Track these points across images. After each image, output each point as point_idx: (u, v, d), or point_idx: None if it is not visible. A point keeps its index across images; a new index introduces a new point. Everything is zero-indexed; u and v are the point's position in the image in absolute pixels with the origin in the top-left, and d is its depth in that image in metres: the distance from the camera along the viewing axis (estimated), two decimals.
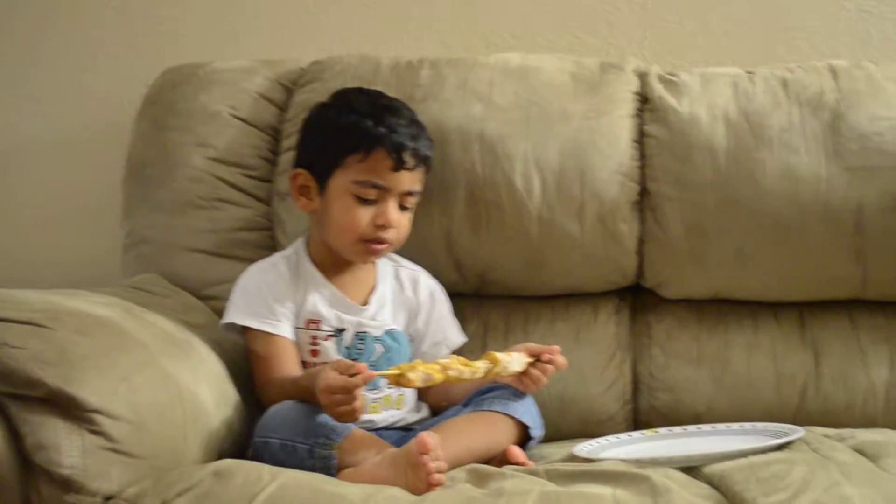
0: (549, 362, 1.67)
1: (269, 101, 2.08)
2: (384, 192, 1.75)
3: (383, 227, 1.75)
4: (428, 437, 1.43)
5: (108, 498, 1.35)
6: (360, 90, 1.88)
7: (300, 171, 1.81)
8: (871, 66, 1.99)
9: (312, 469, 1.49)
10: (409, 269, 1.90)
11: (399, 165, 1.74)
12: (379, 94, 1.86)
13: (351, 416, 1.51)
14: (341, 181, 1.76)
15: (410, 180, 1.77)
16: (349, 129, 1.76)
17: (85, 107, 2.35)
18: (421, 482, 1.41)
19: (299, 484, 1.36)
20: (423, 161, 1.79)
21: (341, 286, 1.81)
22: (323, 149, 1.79)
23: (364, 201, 1.75)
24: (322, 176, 1.78)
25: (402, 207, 1.78)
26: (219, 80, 2.08)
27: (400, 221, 1.78)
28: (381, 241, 1.77)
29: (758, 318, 1.96)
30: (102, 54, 2.34)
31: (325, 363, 1.71)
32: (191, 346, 1.67)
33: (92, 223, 2.34)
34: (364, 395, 1.69)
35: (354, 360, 1.75)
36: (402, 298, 1.86)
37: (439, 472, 1.42)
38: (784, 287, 1.94)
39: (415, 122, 1.81)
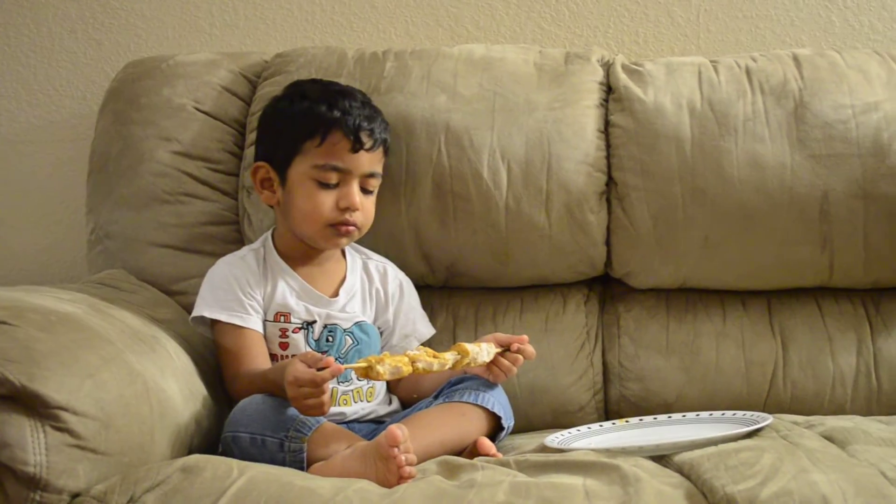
0: (519, 352, 1.68)
1: (233, 94, 2.07)
2: (345, 174, 1.75)
3: (348, 209, 1.75)
4: (397, 429, 1.42)
5: (75, 495, 1.34)
6: (312, 80, 1.89)
7: (260, 164, 1.81)
8: (835, 54, 2.00)
9: (283, 463, 1.49)
10: (378, 261, 1.89)
11: (357, 146, 1.74)
12: (331, 83, 1.86)
13: (319, 410, 1.51)
14: (301, 168, 1.76)
15: (370, 161, 1.77)
16: (304, 116, 1.76)
17: (46, 100, 2.32)
18: (391, 475, 1.40)
19: (268, 478, 1.35)
20: (381, 142, 1.80)
21: (310, 278, 1.81)
22: (280, 139, 1.79)
23: (326, 186, 1.75)
24: (282, 166, 1.78)
25: (365, 191, 1.78)
26: (182, 73, 2.07)
27: (364, 204, 1.78)
28: (347, 224, 1.76)
29: (726, 307, 1.97)
30: (63, 47, 2.31)
31: (295, 356, 1.71)
32: (158, 341, 1.66)
33: (56, 218, 2.32)
34: (334, 388, 1.69)
35: (324, 352, 1.74)
36: (371, 290, 1.86)
37: (409, 464, 1.42)
38: (751, 275, 1.95)
39: (368, 105, 1.82)
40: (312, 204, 1.75)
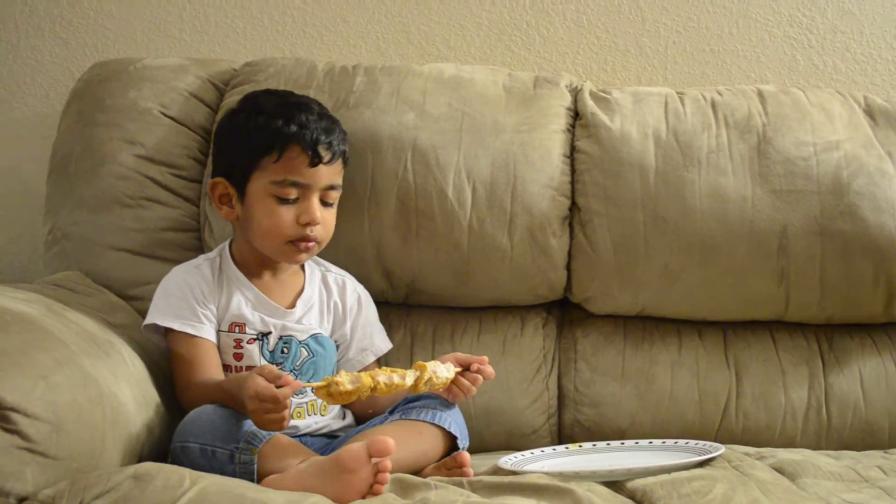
0: (478, 372, 1.67)
1: (200, 100, 2.06)
2: (304, 189, 1.74)
3: (308, 224, 1.74)
4: (389, 438, 1.41)
5: (23, 499, 1.31)
6: (267, 91, 1.87)
7: (218, 180, 1.79)
8: (798, 91, 2.04)
9: (233, 474, 1.47)
10: (337, 273, 1.89)
11: (316, 160, 1.73)
12: (287, 94, 1.85)
13: (278, 425, 1.50)
14: (260, 184, 1.74)
15: (329, 174, 1.76)
16: (260, 131, 1.74)
17: (9, 97, 2.30)
18: (354, 490, 1.40)
19: (220, 489, 1.34)
20: (340, 154, 1.78)
21: (267, 289, 1.79)
22: (237, 155, 1.77)
23: (285, 201, 1.74)
24: (240, 182, 1.76)
25: (325, 204, 1.77)
26: (149, 76, 2.05)
27: (324, 217, 1.77)
28: (308, 240, 1.75)
29: (682, 336, 1.99)
30: (29, 44, 2.29)
31: (249, 367, 1.71)
32: (112, 346, 1.64)
33: (13, 217, 2.29)
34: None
35: (279, 364, 1.74)
36: (329, 303, 1.85)
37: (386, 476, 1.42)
38: (709, 306, 1.97)
39: (326, 116, 1.80)
40: (272, 220, 1.74)
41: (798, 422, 1.92)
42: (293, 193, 1.74)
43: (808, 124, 1.96)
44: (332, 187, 1.77)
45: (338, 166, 1.78)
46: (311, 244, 1.76)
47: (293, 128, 1.73)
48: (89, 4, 2.29)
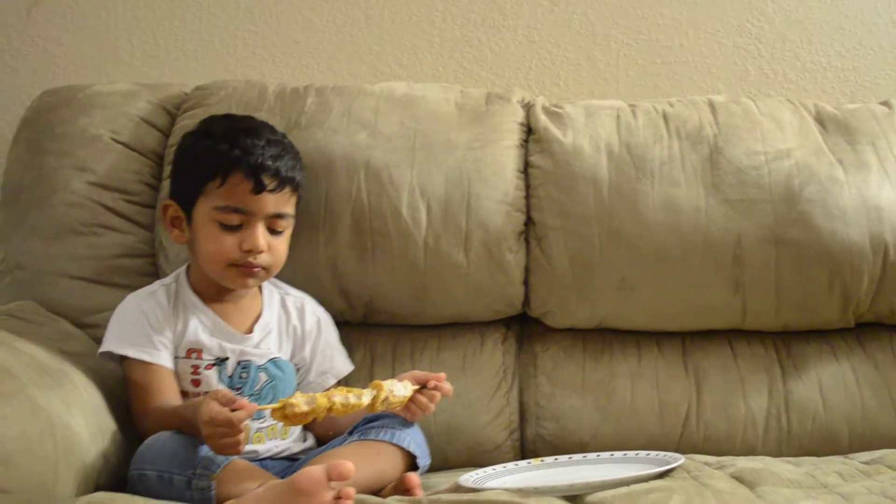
0: (436, 388, 1.66)
1: (151, 125, 2.04)
2: (248, 216, 1.72)
3: (251, 251, 1.72)
4: (348, 462, 1.39)
5: None
6: (225, 116, 1.85)
7: (169, 202, 1.79)
8: (749, 101, 2.05)
9: (190, 501, 1.47)
10: (296, 296, 1.87)
11: (259, 188, 1.71)
12: (242, 119, 1.83)
13: (234, 449, 1.48)
14: (204, 209, 1.73)
15: (276, 202, 1.73)
16: (205, 155, 1.73)
17: None
18: None
19: None
20: (288, 182, 1.75)
21: (224, 314, 1.78)
22: (185, 178, 1.77)
23: (228, 228, 1.72)
24: (187, 205, 1.75)
25: (274, 231, 1.75)
26: (99, 103, 2.04)
27: (272, 245, 1.75)
28: (251, 266, 1.73)
29: (641, 348, 1.99)
30: None
31: (207, 392, 1.68)
32: (66, 375, 1.62)
33: None
34: (248, 425, 1.67)
35: (237, 389, 1.72)
36: (288, 327, 1.84)
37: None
38: (666, 317, 1.97)
39: (275, 143, 1.76)
40: (215, 247, 1.72)
41: (759, 430, 1.92)
42: (235, 220, 1.72)
43: (758, 133, 1.98)
44: (279, 216, 1.75)
45: (285, 195, 1.75)
46: (256, 270, 1.74)
47: (236, 152, 1.70)
48: (37, 32, 2.27)
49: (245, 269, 1.73)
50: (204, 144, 1.74)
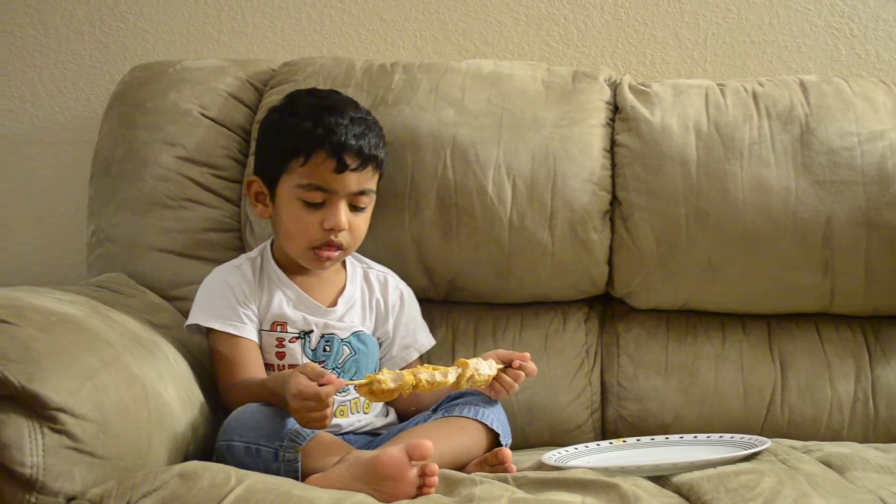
0: (521, 368, 1.66)
1: (239, 101, 2.06)
2: (330, 194, 1.72)
3: (332, 229, 1.73)
4: (427, 441, 1.41)
5: (71, 498, 1.33)
6: (310, 91, 1.85)
7: (253, 178, 1.80)
8: (841, 81, 2.01)
9: (277, 472, 1.48)
10: (379, 270, 1.88)
11: (342, 167, 1.71)
12: (326, 95, 1.82)
13: (321, 423, 1.50)
14: (287, 186, 1.74)
15: (358, 180, 1.74)
16: (289, 133, 1.73)
17: (50, 101, 2.32)
18: (405, 491, 1.40)
19: (266, 487, 1.34)
20: (370, 160, 1.74)
21: (308, 288, 1.80)
22: (269, 155, 1.78)
23: (311, 205, 1.73)
24: (271, 182, 1.76)
25: (355, 208, 1.76)
26: (189, 78, 2.06)
27: (353, 223, 1.75)
28: (331, 245, 1.74)
29: (726, 330, 1.97)
30: (69, 49, 2.31)
31: (292, 365, 1.71)
32: (157, 346, 1.65)
33: (56, 220, 2.31)
34: (332, 399, 1.68)
35: (321, 362, 1.74)
36: (371, 301, 1.85)
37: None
38: (752, 299, 1.95)
39: (359, 121, 1.75)
40: (297, 224, 1.73)
41: (845, 415, 1.90)
42: (318, 198, 1.72)
43: (851, 114, 1.94)
44: (362, 192, 1.75)
45: (368, 172, 1.75)
46: (333, 253, 1.75)
47: (320, 131, 1.71)
48: (128, 8, 2.30)
49: (321, 253, 1.74)
50: (288, 122, 1.75)
